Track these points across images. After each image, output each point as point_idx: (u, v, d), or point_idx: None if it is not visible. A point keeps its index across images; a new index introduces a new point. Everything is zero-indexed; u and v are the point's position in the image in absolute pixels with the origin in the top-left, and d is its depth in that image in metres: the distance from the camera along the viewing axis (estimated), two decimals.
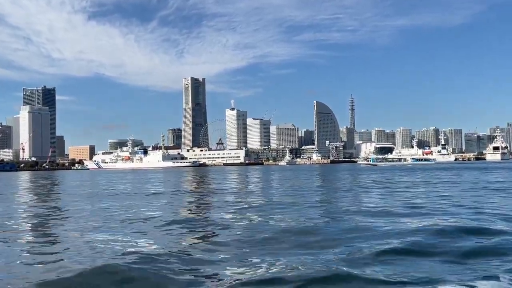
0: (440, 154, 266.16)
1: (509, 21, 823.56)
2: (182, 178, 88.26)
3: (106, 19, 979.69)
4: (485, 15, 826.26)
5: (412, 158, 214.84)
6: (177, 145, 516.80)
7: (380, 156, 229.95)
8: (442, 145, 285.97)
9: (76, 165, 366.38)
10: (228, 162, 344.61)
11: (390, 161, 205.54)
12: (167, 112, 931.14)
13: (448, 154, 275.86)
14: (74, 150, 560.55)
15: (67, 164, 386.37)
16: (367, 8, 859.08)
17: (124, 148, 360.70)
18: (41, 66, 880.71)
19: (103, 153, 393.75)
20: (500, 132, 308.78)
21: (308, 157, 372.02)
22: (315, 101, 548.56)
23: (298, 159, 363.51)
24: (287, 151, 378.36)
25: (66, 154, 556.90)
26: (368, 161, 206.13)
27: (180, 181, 74.40)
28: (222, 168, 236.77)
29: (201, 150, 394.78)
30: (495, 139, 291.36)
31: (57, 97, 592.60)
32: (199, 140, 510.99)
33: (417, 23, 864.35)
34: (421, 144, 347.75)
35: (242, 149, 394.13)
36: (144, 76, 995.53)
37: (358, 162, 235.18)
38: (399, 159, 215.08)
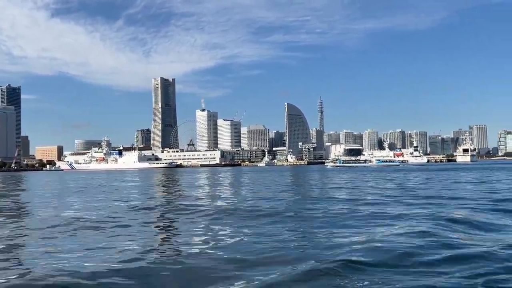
0: (413, 156, 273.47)
1: (473, 26, 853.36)
2: (197, 183, 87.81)
3: (71, 17, 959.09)
4: (450, 20, 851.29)
5: (377, 160, 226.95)
6: (147, 145, 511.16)
7: (352, 158, 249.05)
8: (414, 147, 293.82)
9: (48, 166, 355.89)
10: (204, 163, 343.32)
11: (355, 163, 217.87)
12: (134, 112, 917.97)
13: (421, 156, 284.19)
14: (41, 150, 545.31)
15: (37, 165, 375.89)
16: (336, 11, 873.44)
17: (96, 149, 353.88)
18: (1, 64, 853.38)
19: (71, 154, 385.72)
20: (468, 135, 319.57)
21: (285, 159, 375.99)
22: (286, 103, 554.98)
23: (275, 160, 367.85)
24: (266, 153, 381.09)
25: (31, 155, 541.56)
26: (335, 163, 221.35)
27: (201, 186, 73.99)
28: (201, 169, 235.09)
29: (175, 151, 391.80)
30: (464, 142, 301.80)
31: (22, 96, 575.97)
32: (169, 141, 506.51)
33: (385, 26, 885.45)
34: (389, 146, 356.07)
35: (216, 150, 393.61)
36: (110, 75, 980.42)
37: (325, 164, 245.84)
38: (365, 161, 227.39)
